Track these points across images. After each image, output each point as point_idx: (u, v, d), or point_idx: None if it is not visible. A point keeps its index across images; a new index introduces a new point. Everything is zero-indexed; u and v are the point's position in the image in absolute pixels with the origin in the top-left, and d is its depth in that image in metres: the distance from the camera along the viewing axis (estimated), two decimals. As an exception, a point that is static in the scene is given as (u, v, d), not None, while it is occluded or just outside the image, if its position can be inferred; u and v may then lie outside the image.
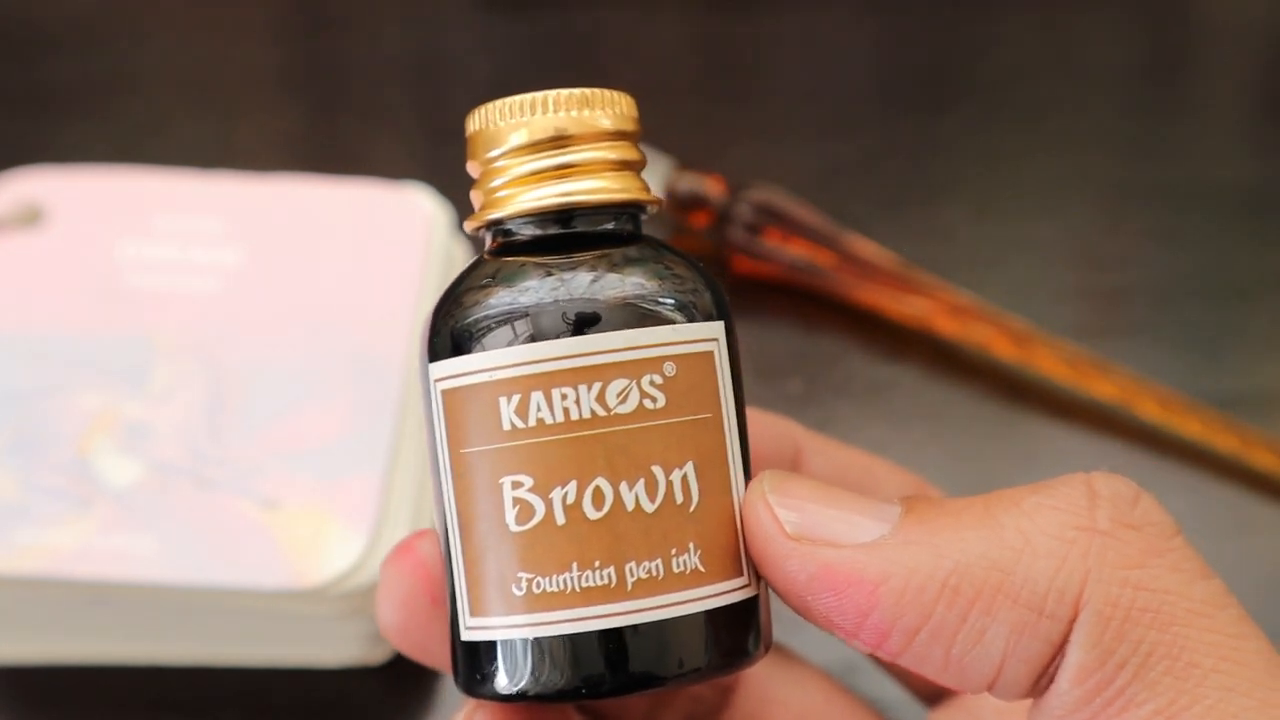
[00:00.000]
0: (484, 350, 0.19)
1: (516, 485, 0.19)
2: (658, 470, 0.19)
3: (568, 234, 0.20)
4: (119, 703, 0.32)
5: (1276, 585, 0.36)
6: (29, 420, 0.33)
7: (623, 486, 0.19)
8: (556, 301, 0.19)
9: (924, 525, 0.19)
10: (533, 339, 0.19)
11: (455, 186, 0.41)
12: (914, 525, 0.19)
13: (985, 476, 0.38)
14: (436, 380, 0.20)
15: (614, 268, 0.20)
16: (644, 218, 0.21)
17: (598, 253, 0.20)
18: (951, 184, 0.47)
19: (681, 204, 0.42)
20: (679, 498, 0.19)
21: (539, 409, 0.19)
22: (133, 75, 0.50)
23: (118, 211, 0.37)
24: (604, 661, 0.19)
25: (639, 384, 0.19)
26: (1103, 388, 0.39)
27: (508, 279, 0.20)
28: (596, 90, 0.20)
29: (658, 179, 0.43)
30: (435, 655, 0.22)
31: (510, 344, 0.19)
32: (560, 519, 0.19)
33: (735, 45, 0.52)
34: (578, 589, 0.19)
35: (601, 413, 0.19)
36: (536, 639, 0.19)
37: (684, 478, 0.19)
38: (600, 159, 0.20)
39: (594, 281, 0.19)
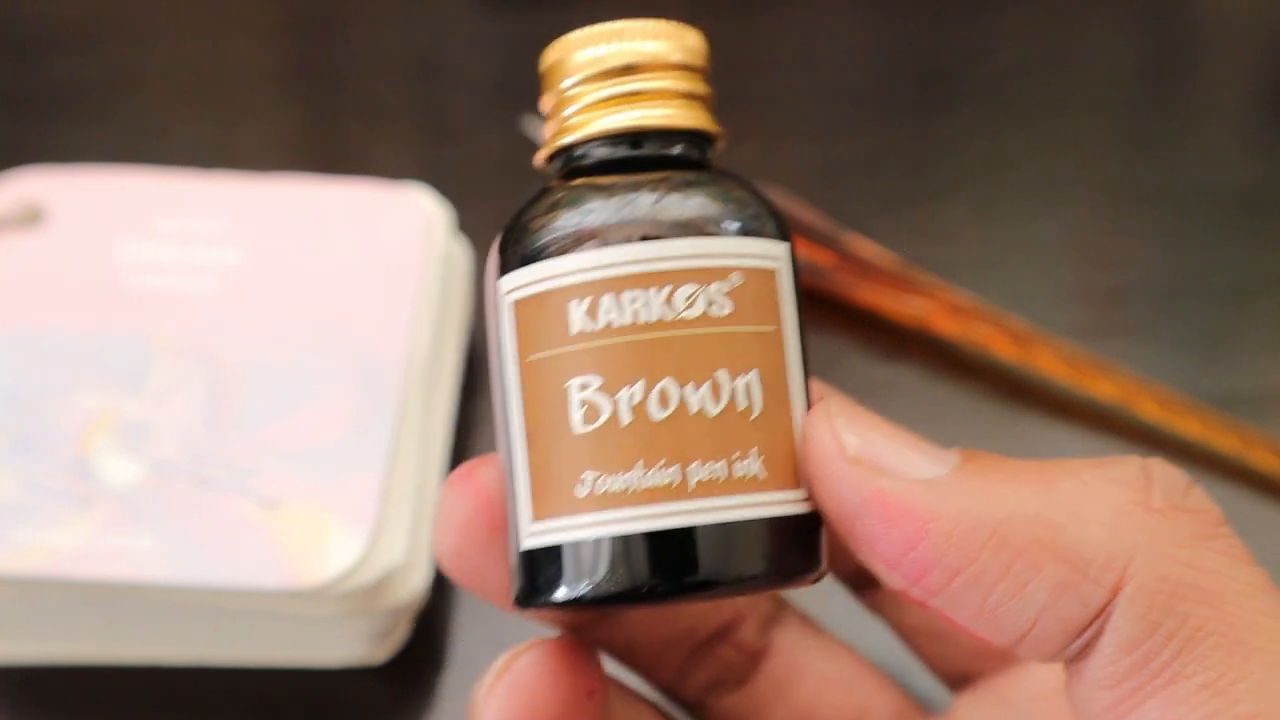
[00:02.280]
0: (555, 258, 0.20)
1: (584, 387, 0.19)
2: (722, 375, 0.19)
3: (636, 157, 0.21)
4: (119, 703, 0.32)
5: (1276, 585, 0.36)
6: (29, 420, 0.33)
7: (689, 388, 0.19)
8: (625, 211, 0.20)
9: (981, 475, 0.19)
10: (603, 245, 0.20)
11: (455, 186, 0.41)
12: (971, 473, 0.19)
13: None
14: (508, 292, 0.20)
15: (681, 187, 0.20)
16: (711, 150, 0.22)
17: (665, 174, 0.20)
18: (951, 184, 0.47)
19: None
20: (742, 404, 0.19)
21: (608, 311, 0.19)
22: (133, 75, 0.50)
23: (118, 211, 0.37)
24: (664, 563, 0.19)
25: (707, 290, 0.19)
26: (1103, 388, 0.39)
27: (575, 198, 0.20)
28: (668, 23, 0.21)
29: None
30: (489, 581, 0.22)
31: (580, 250, 0.20)
32: (625, 418, 0.19)
33: (735, 45, 0.52)
34: (641, 488, 0.19)
35: (669, 316, 0.19)
36: (598, 539, 0.19)
37: (747, 385, 0.19)
38: (670, 88, 0.21)
39: (662, 197, 0.20)
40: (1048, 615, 0.18)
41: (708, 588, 0.19)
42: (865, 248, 0.41)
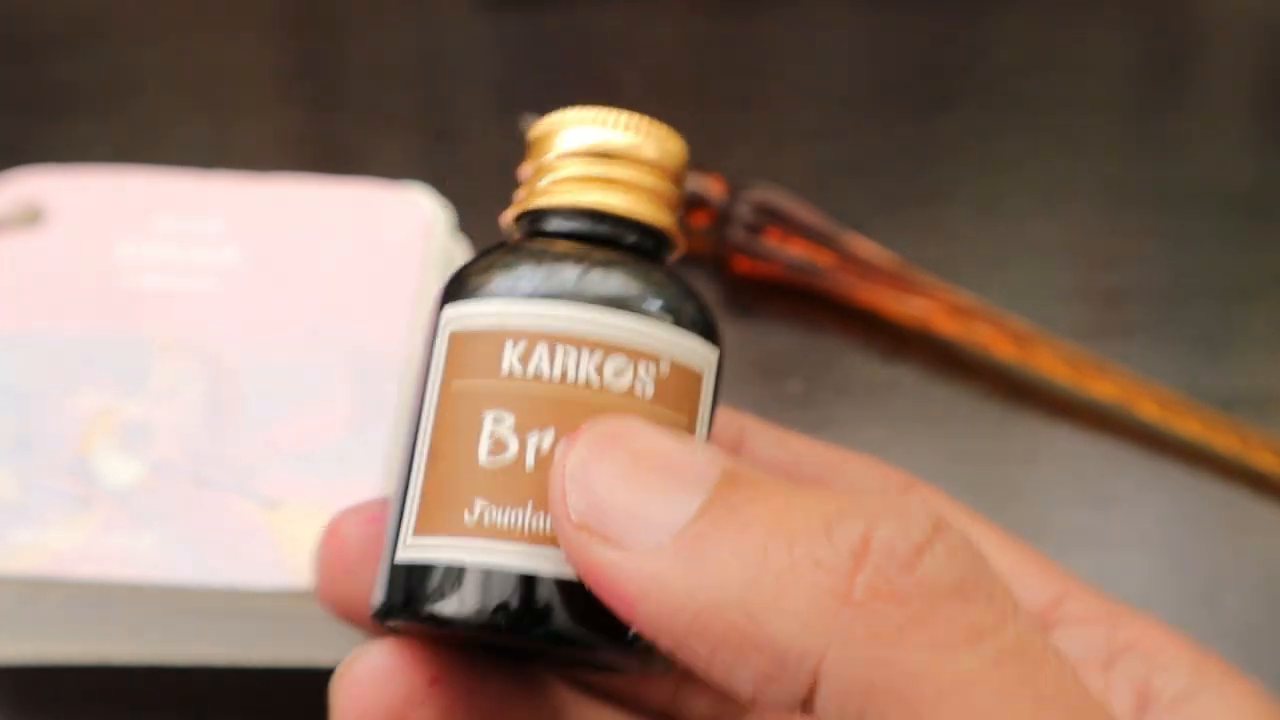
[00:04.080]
0: (502, 297, 0.20)
1: (497, 421, 0.20)
2: None
3: (595, 235, 0.21)
4: (119, 703, 0.32)
5: (1275, 585, 0.36)
6: (29, 420, 0.33)
7: None
8: (579, 274, 0.20)
9: (709, 534, 0.18)
10: (550, 299, 0.20)
11: (455, 186, 0.41)
12: (699, 532, 0.18)
13: (985, 476, 0.38)
14: (447, 323, 0.21)
15: (634, 269, 0.21)
16: (667, 251, 0.22)
17: (625, 254, 0.21)
18: (951, 184, 0.47)
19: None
20: None
21: (540, 360, 0.20)
22: (133, 75, 0.50)
23: (118, 212, 0.37)
24: (528, 604, 0.19)
25: (635, 367, 0.20)
26: (1103, 388, 0.39)
27: (536, 252, 0.21)
28: (656, 124, 0.22)
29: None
30: (355, 605, 0.23)
31: (529, 296, 0.20)
32: (529, 461, 0.19)
33: (735, 45, 0.52)
34: (526, 529, 0.19)
35: (595, 383, 0.20)
36: (475, 565, 0.19)
37: None
38: (649, 185, 0.21)
39: (618, 270, 0.21)
40: (763, 698, 0.18)
41: (558, 640, 0.20)
42: (865, 248, 0.41)
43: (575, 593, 0.19)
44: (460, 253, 0.39)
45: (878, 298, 0.41)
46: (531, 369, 0.20)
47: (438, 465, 0.20)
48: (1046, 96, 0.50)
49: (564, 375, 0.20)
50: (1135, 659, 0.24)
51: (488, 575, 0.19)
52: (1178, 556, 0.37)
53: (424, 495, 0.20)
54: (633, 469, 0.19)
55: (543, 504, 0.19)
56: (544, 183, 0.22)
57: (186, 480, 0.31)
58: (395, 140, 0.48)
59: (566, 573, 0.19)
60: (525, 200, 0.22)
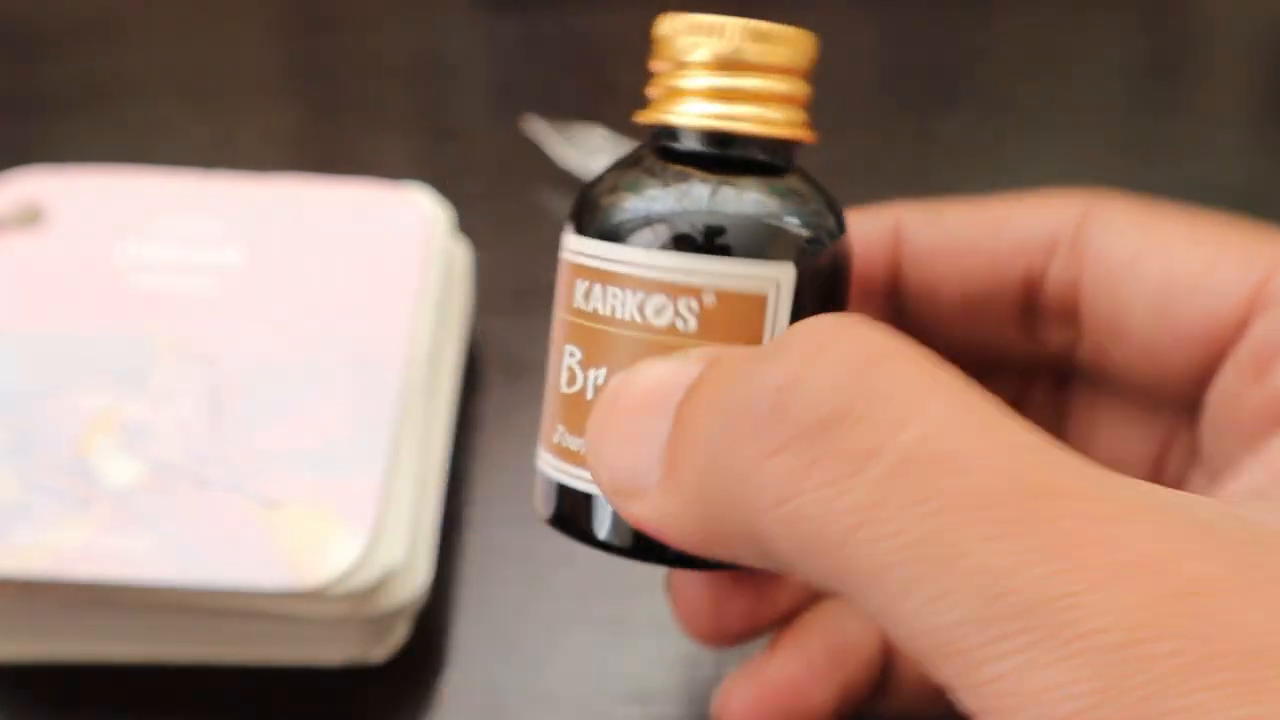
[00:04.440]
0: (572, 234, 0.22)
1: (571, 354, 0.22)
2: None
3: (707, 157, 0.22)
4: (119, 703, 0.32)
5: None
6: (29, 420, 0.33)
7: None
8: (639, 211, 0.21)
9: (677, 459, 0.19)
10: (599, 236, 0.21)
11: (455, 186, 0.41)
12: (671, 461, 0.19)
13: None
14: (564, 251, 0.22)
15: (718, 193, 0.21)
16: (792, 153, 0.23)
17: (705, 176, 0.21)
18: (951, 184, 0.47)
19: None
20: None
21: (596, 299, 0.21)
22: (133, 75, 0.50)
23: (118, 212, 0.37)
24: (590, 519, 0.22)
25: (675, 304, 0.20)
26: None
27: (621, 184, 0.22)
28: (779, 27, 0.22)
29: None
30: None
31: (593, 236, 0.21)
32: (589, 394, 0.21)
33: (735, 45, 0.52)
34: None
35: (639, 320, 0.21)
36: (553, 481, 0.22)
37: None
38: (764, 91, 0.22)
39: (678, 201, 0.21)
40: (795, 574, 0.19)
41: (614, 551, 0.22)
42: (865, 248, 0.41)
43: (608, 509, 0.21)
44: (460, 253, 0.39)
45: (878, 298, 0.41)
46: (590, 306, 0.21)
47: (549, 387, 0.22)
48: (1047, 97, 0.50)
49: (612, 313, 0.21)
50: None
51: (562, 490, 0.22)
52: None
53: (544, 413, 0.23)
54: (622, 427, 0.20)
55: None
56: (660, 92, 0.22)
57: (186, 480, 0.31)
58: (395, 140, 0.48)
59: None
60: (653, 107, 0.22)
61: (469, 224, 0.40)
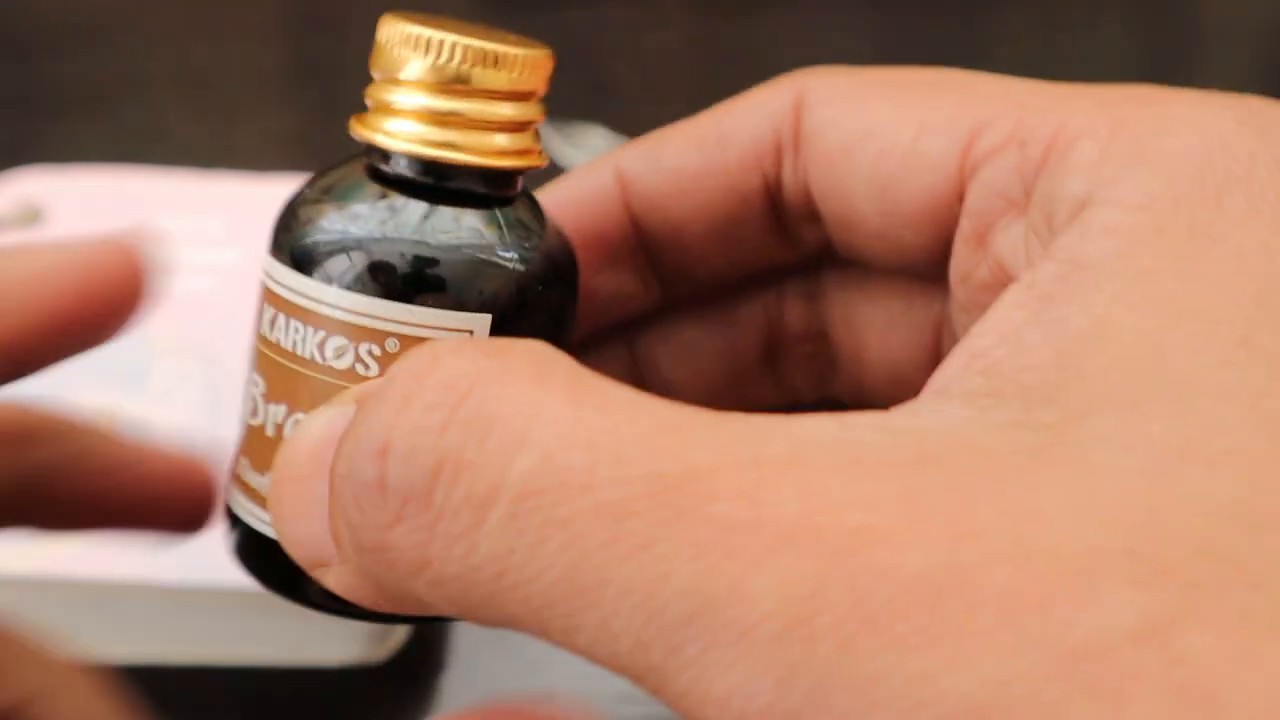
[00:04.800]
0: (267, 251, 0.20)
1: (255, 384, 0.20)
2: None
3: (421, 185, 0.20)
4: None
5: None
6: (29, 420, 0.32)
7: None
8: (328, 241, 0.19)
9: (340, 542, 0.16)
10: (291, 266, 0.19)
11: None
12: (336, 539, 0.17)
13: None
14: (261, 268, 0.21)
15: (404, 240, 0.19)
16: (512, 184, 0.21)
17: (406, 198, 0.19)
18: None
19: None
20: None
21: (279, 329, 0.19)
22: (133, 75, 0.50)
23: (117, 212, 0.37)
24: (258, 557, 0.20)
25: (356, 349, 0.19)
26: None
27: (314, 210, 0.20)
28: (509, 48, 0.20)
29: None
30: None
31: (275, 258, 0.20)
32: (269, 431, 0.20)
33: (735, 45, 0.52)
34: (265, 494, 0.20)
35: (319, 360, 0.19)
36: (240, 519, 0.20)
37: None
38: (485, 117, 0.20)
39: (371, 235, 0.19)
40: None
41: (287, 597, 0.20)
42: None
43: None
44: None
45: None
46: (274, 335, 0.19)
47: (242, 410, 0.21)
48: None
49: (294, 349, 0.19)
50: (1043, 183, 0.19)
51: (247, 530, 0.20)
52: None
53: (239, 436, 0.21)
54: (295, 497, 0.17)
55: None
56: (376, 115, 0.20)
57: (186, 480, 0.31)
58: (395, 140, 0.48)
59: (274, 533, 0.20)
60: (362, 123, 0.21)
61: (469, 224, 0.40)
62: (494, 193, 0.20)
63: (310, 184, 0.21)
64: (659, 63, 0.52)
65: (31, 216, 0.37)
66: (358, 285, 0.19)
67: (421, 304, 0.19)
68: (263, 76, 0.52)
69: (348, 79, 0.52)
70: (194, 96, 0.50)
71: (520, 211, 0.20)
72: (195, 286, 0.35)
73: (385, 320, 0.19)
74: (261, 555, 0.20)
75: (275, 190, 0.38)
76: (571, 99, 0.50)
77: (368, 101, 0.21)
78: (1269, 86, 0.53)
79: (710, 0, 0.54)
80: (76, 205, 0.37)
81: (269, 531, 0.19)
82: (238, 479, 0.20)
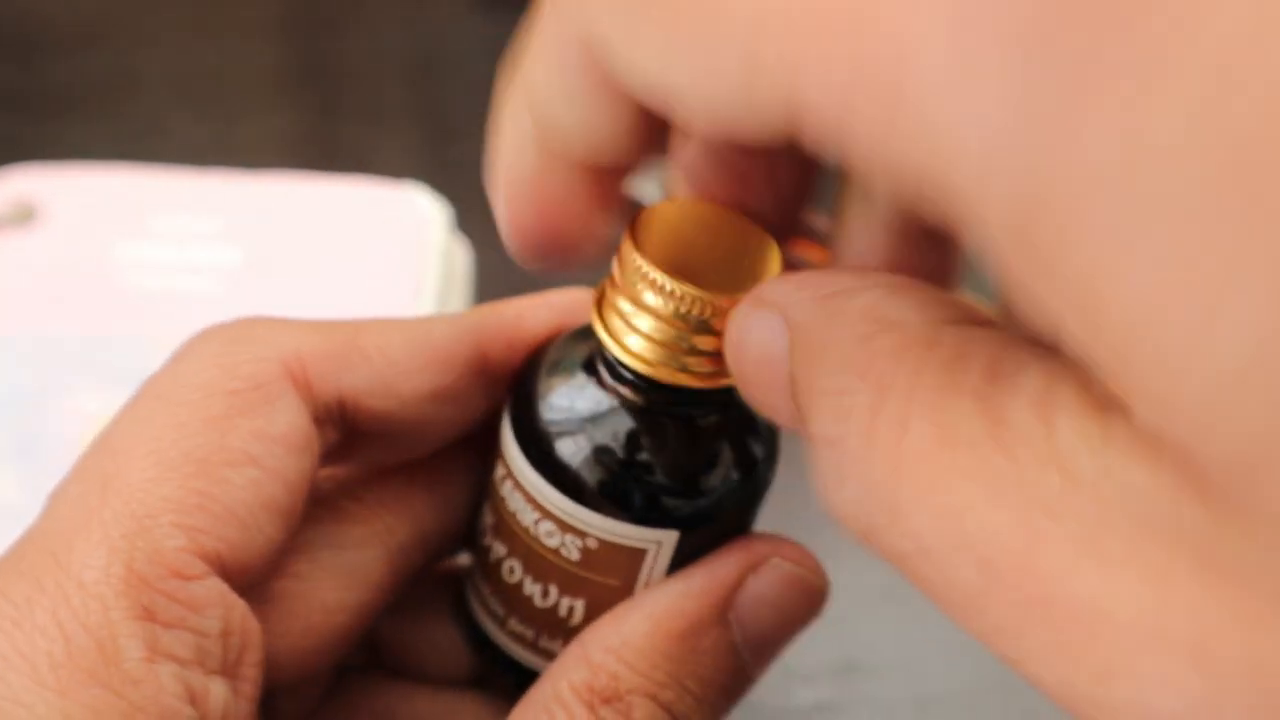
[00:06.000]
0: (510, 438, 0.22)
1: (485, 515, 0.23)
2: (553, 589, 0.22)
3: (636, 401, 0.21)
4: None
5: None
6: (29, 421, 0.32)
7: (528, 578, 0.22)
8: (560, 442, 0.21)
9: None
10: (516, 436, 0.21)
11: (455, 186, 0.41)
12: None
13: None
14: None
15: (631, 446, 0.21)
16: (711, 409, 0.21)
17: (620, 416, 0.21)
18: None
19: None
20: (563, 613, 0.22)
21: (507, 489, 0.22)
22: (133, 75, 0.50)
23: (113, 210, 0.37)
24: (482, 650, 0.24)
25: (564, 537, 0.21)
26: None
27: (555, 403, 0.21)
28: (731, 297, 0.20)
29: (656, 181, 0.43)
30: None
31: (522, 441, 0.21)
32: (492, 558, 0.23)
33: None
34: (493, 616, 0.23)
35: (533, 532, 0.21)
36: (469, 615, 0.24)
37: (571, 606, 0.22)
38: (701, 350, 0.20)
39: (583, 442, 0.21)
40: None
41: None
42: (865, 247, 0.41)
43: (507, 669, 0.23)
44: (460, 252, 0.39)
45: (878, 297, 0.41)
46: (502, 493, 0.22)
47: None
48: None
49: (515, 514, 0.21)
50: None
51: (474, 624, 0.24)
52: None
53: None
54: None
55: (496, 605, 0.23)
56: (616, 315, 0.20)
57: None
58: (395, 140, 0.48)
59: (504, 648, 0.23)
60: (598, 318, 0.21)
61: (469, 224, 0.40)
62: (708, 408, 0.21)
63: (552, 367, 0.22)
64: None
65: (25, 214, 0.37)
66: (567, 490, 0.21)
67: (618, 519, 0.21)
68: (263, 77, 0.52)
69: (348, 79, 0.52)
70: (194, 97, 0.50)
71: (735, 418, 0.21)
72: (194, 286, 0.35)
73: (587, 524, 0.21)
74: (481, 640, 0.24)
75: (274, 189, 0.38)
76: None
77: (602, 301, 0.20)
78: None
79: None
80: (70, 204, 0.37)
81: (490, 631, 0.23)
82: (474, 586, 0.23)
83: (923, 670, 0.33)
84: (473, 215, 0.40)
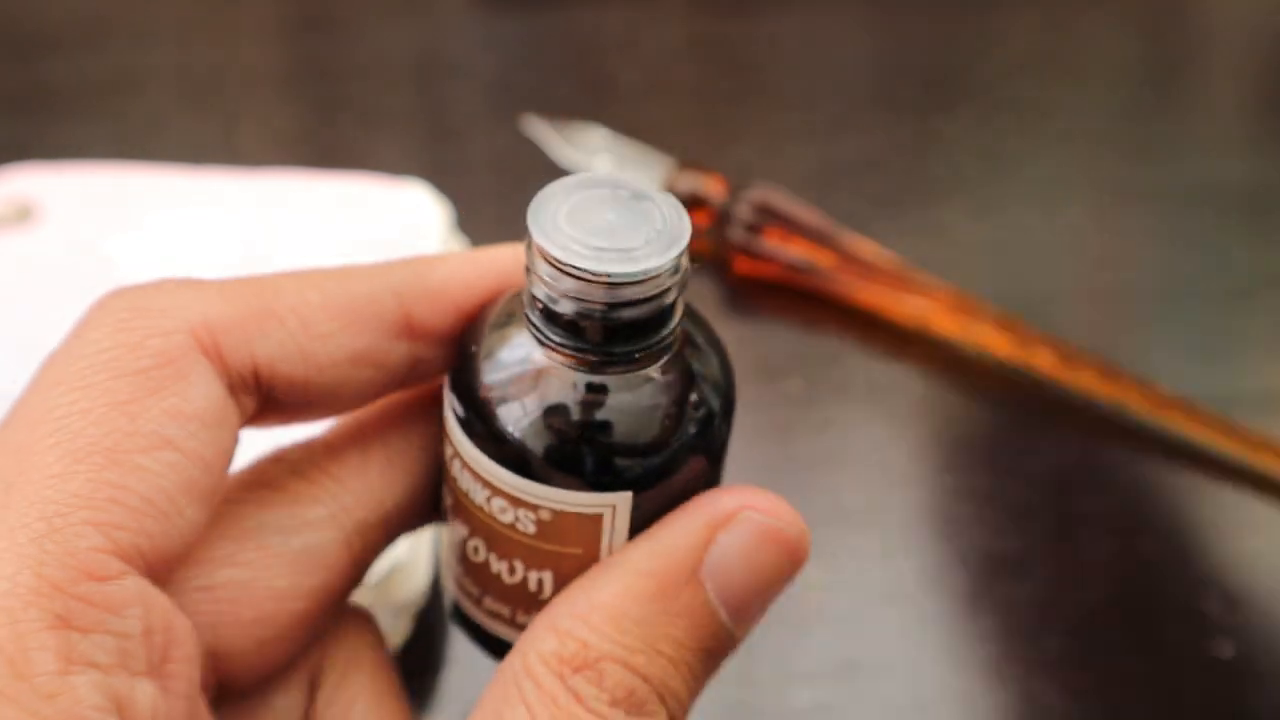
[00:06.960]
0: (448, 387, 0.21)
1: (446, 495, 0.22)
2: (519, 564, 0.21)
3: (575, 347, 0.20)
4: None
5: (1277, 586, 0.36)
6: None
7: (493, 555, 0.22)
8: (493, 411, 0.20)
9: None
10: (456, 417, 0.21)
11: (455, 186, 0.41)
12: None
13: (984, 476, 0.38)
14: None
15: (571, 409, 0.20)
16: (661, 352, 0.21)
17: (566, 370, 0.20)
18: (951, 184, 0.47)
19: (682, 204, 0.42)
20: (533, 587, 0.22)
21: (456, 468, 0.21)
22: (133, 75, 0.50)
23: (111, 208, 0.37)
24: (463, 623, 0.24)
25: (516, 512, 0.21)
26: (1102, 387, 0.39)
27: (499, 379, 0.21)
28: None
29: (657, 179, 0.43)
30: None
31: (453, 389, 0.21)
32: (453, 539, 0.23)
33: (735, 45, 0.52)
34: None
35: (488, 510, 0.21)
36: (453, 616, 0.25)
37: (540, 579, 0.21)
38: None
39: (523, 411, 0.20)
40: None
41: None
42: (865, 248, 0.41)
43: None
44: (459, 250, 0.39)
45: (878, 298, 0.41)
46: (453, 473, 0.21)
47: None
48: (1046, 97, 0.50)
49: (468, 493, 0.21)
50: None
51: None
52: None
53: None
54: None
55: (466, 583, 0.23)
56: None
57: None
58: (395, 140, 0.48)
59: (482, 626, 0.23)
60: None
61: (468, 223, 0.40)
62: (646, 364, 0.20)
63: (488, 338, 0.21)
64: (659, 63, 0.52)
65: (22, 213, 0.37)
66: (511, 465, 0.20)
67: (565, 488, 0.20)
68: (263, 76, 0.52)
69: (348, 79, 0.52)
70: (194, 96, 0.50)
71: (670, 366, 0.21)
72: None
73: (536, 496, 0.20)
74: (463, 620, 0.24)
75: (273, 186, 0.38)
76: (571, 99, 0.50)
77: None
78: (1269, 87, 0.53)
79: (710, 0, 0.54)
80: (68, 202, 0.37)
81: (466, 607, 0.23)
82: (449, 566, 0.23)
83: (923, 670, 0.33)
84: (472, 214, 0.40)
